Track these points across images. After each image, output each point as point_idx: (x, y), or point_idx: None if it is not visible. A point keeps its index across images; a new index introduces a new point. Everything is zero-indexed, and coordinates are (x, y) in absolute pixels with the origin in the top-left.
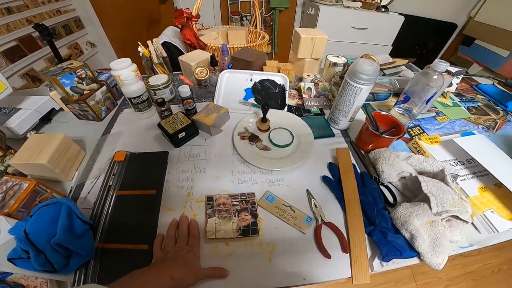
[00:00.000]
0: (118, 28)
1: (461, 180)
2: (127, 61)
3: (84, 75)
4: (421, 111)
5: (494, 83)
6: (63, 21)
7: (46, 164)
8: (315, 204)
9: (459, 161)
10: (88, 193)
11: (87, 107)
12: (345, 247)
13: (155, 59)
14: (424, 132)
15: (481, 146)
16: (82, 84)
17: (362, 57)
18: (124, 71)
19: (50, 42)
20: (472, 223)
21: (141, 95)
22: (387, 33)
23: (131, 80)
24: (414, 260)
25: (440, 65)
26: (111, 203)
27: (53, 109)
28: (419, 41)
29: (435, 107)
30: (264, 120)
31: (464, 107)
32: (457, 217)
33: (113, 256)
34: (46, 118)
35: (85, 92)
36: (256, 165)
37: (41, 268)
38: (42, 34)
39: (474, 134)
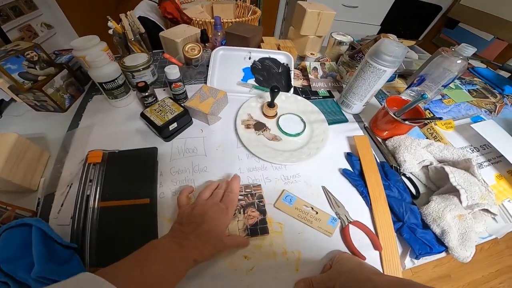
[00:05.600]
0: (78, 6)
1: (480, 169)
2: (94, 38)
3: (36, 58)
4: (436, 95)
5: (488, 67)
6: (11, 3)
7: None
8: (336, 203)
9: (474, 148)
10: (62, 205)
11: (45, 96)
12: (377, 245)
13: (130, 36)
14: (434, 116)
15: (493, 132)
16: (35, 68)
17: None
18: (91, 51)
19: None
20: None
21: (116, 78)
22: (377, 12)
23: (101, 61)
24: (442, 255)
25: (467, 49)
26: (95, 218)
27: (2, 100)
28: (404, 21)
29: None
30: (271, 105)
31: (465, 89)
32: (485, 210)
33: None
34: None
35: (39, 78)
36: (268, 160)
37: None
38: None
39: (483, 119)
